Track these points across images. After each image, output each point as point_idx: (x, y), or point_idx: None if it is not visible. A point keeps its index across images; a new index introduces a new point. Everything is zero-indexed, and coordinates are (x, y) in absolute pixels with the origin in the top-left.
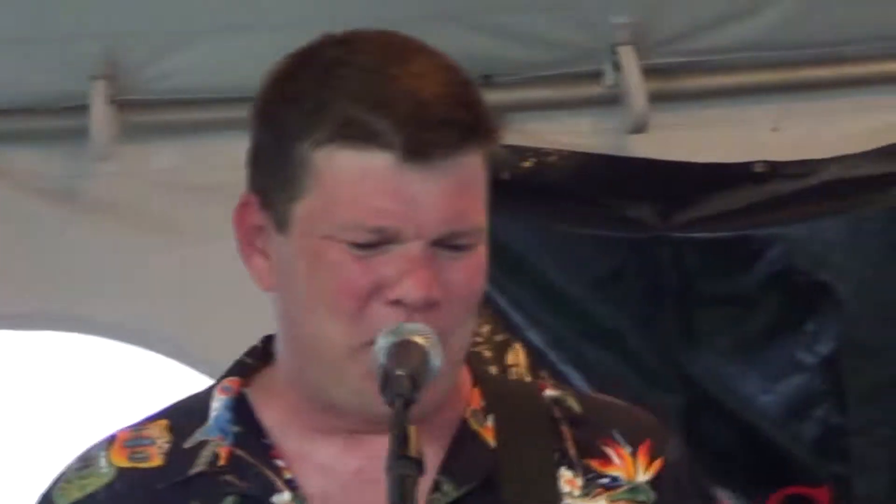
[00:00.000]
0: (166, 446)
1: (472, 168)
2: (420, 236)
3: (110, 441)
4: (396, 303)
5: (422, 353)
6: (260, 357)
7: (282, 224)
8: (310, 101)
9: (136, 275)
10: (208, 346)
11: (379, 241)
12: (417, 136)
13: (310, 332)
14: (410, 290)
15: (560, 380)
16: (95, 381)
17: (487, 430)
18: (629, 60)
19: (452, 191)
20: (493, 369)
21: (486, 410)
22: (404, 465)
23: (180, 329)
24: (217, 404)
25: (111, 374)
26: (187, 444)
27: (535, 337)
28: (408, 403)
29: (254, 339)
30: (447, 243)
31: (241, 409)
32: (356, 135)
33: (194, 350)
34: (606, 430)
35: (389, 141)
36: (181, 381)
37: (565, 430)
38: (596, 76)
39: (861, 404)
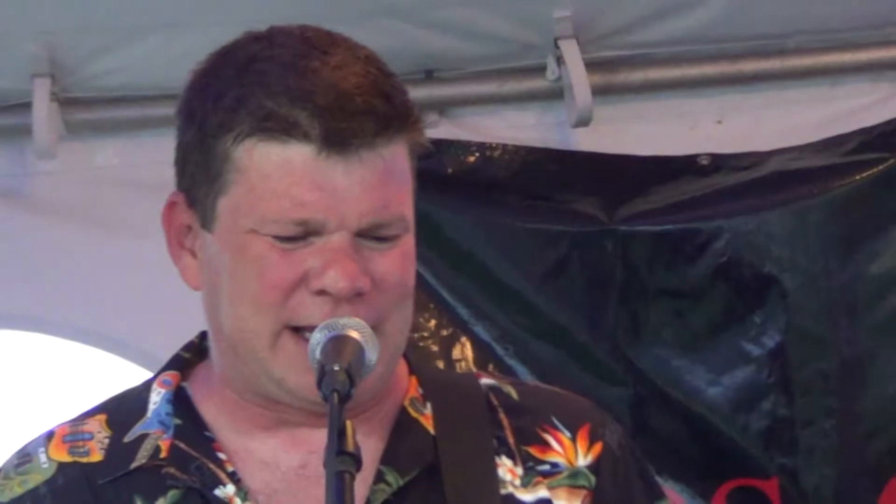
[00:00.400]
0: (106, 441)
1: (393, 158)
2: (343, 227)
3: (49, 437)
4: (321, 293)
5: (357, 347)
6: (196, 352)
7: (207, 220)
8: (230, 96)
9: (81, 272)
10: (152, 343)
11: (303, 234)
12: (336, 127)
13: (236, 326)
14: (335, 279)
15: (506, 374)
16: (40, 379)
17: (426, 418)
18: (572, 54)
19: (374, 181)
20: (440, 364)
21: (425, 398)
22: (342, 460)
23: (125, 326)
24: (156, 397)
25: (56, 372)
26: (127, 438)
27: (481, 331)
28: (344, 398)
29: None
30: (372, 234)
31: (180, 402)
32: (276, 128)
33: (138, 346)
34: (544, 416)
35: (309, 132)
36: (126, 377)
37: (503, 417)
38: (539, 70)
39: (808, 396)
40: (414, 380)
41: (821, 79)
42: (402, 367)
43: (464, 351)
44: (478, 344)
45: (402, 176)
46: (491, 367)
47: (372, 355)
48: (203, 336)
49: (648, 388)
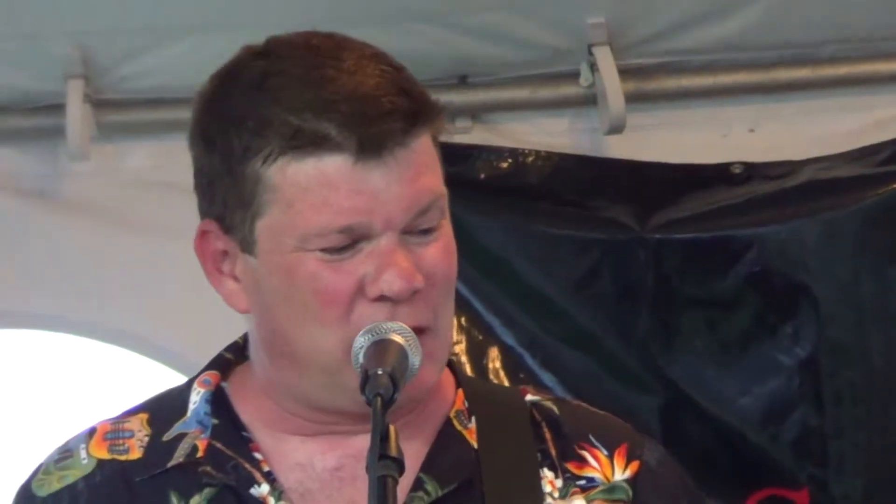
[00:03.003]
0: (146, 439)
1: (423, 149)
2: (389, 228)
3: (90, 433)
4: (381, 298)
5: (400, 351)
6: (239, 353)
7: (247, 244)
8: (251, 119)
9: (111, 273)
10: (182, 344)
11: (349, 243)
12: (368, 132)
13: (304, 347)
14: (391, 282)
15: (536, 382)
16: (70, 380)
17: (470, 432)
18: (606, 61)
19: (410, 176)
20: (470, 371)
21: (470, 412)
22: (385, 464)
23: (155, 327)
24: (196, 397)
25: (85, 373)
26: (166, 437)
27: (509, 339)
28: (387, 403)
29: (226, 337)
30: (416, 229)
31: (219, 402)
32: (307, 143)
33: (168, 348)
34: (584, 434)
35: (341, 143)
36: (155, 378)
37: (545, 431)
38: (573, 76)
39: (839, 406)
40: (461, 392)
41: (854, 88)
42: (449, 378)
43: (494, 358)
44: (507, 351)
45: (432, 161)
46: (523, 374)
47: (415, 359)
48: (246, 338)
49: (679, 398)
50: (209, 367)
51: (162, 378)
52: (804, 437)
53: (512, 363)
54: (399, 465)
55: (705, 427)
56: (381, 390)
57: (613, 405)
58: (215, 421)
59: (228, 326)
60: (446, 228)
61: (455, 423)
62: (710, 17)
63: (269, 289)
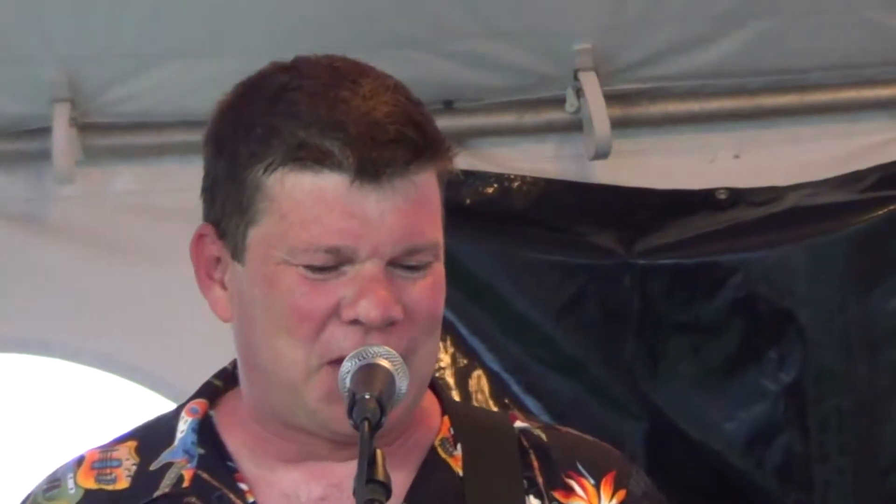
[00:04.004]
0: (133, 468)
1: (425, 186)
2: (375, 255)
3: (78, 462)
4: (354, 322)
5: (387, 376)
6: (228, 379)
7: (238, 252)
8: (260, 126)
9: (97, 298)
10: (168, 369)
11: (335, 264)
12: (369, 156)
13: (269, 357)
14: (368, 308)
15: (521, 407)
16: (55, 404)
17: (456, 460)
18: (592, 86)
19: (406, 209)
20: (456, 395)
21: (456, 439)
22: (372, 489)
23: (141, 352)
24: (183, 426)
25: (69, 397)
26: (153, 466)
27: (494, 364)
28: (375, 427)
29: (214, 362)
30: (403, 263)
31: (206, 431)
32: (309, 157)
33: (154, 373)
34: (571, 462)
35: (341, 161)
36: (141, 403)
37: (533, 458)
38: (559, 102)
39: (824, 432)
40: (446, 419)
41: (839, 115)
42: (434, 405)
43: (479, 383)
44: (492, 376)
45: (433, 203)
46: (508, 399)
47: (402, 384)
48: (235, 363)
49: (664, 423)
50: (197, 394)
51: (146, 402)
52: (789, 463)
53: (497, 388)
54: (386, 489)
55: (690, 452)
56: (369, 414)
57: (598, 430)
58: (201, 450)
59: (213, 351)
60: (437, 270)
61: (440, 451)
62: (696, 43)
63: (249, 298)
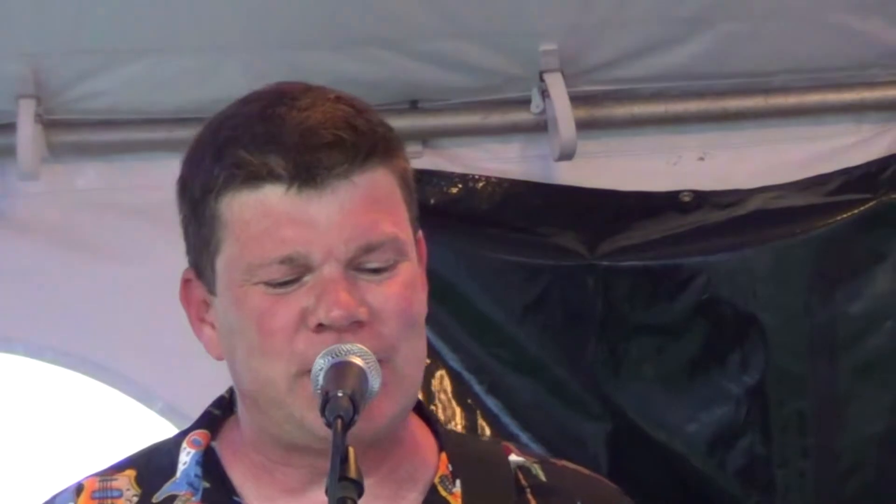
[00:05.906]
0: (135, 499)
1: (372, 185)
2: (331, 257)
3: (77, 491)
4: (321, 328)
5: (360, 373)
6: (226, 408)
7: (211, 286)
8: (207, 157)
9: (61, 294)
10: (131, 367)
11: (295, 276)
12: (303, 161)
13: (251, 380)
14: (328, 309)
15: (483, 407)
16: (15, 401)
17: (455, 497)
18: (557, 87)
19: (352, 209)
20: (419, 395)
21: (454, 475)
22: (344, 486)
23: (104, 349)
24: (186, 457)
25: (32, 395)
26: (156, 498)
27: (456, 364)
28: (347, 424)
29: (177, 359)
30: (366, 266)
31: (210, 463)
32: (247, 174)
33: (118, 370)
34: (570, 499)
35: (279, 173)
36: (104, 401)
37: (530, 498)
38: (524, 103)
39: (786, 435)
40: (444, 456)
41: (804, 118)
42: (431, 442)
43: (442, 383)
44: (455, 377)
45: (387, 201)
46: (470, 400)
47: (374, 382)
48: (232, 391)
49: (626, 424)
50: (197, 424)
51: (111, 402)
52: (751, 466)
53: (460, 388)
54: (358, 486)
55: (652, 454)
56: (342, 412)
57: (560, 432)
58: (206, 484)
59: (177, 349)
60: (406, 269)
61: (440, 489)
62: (662, 45)
63: (227, 327)
